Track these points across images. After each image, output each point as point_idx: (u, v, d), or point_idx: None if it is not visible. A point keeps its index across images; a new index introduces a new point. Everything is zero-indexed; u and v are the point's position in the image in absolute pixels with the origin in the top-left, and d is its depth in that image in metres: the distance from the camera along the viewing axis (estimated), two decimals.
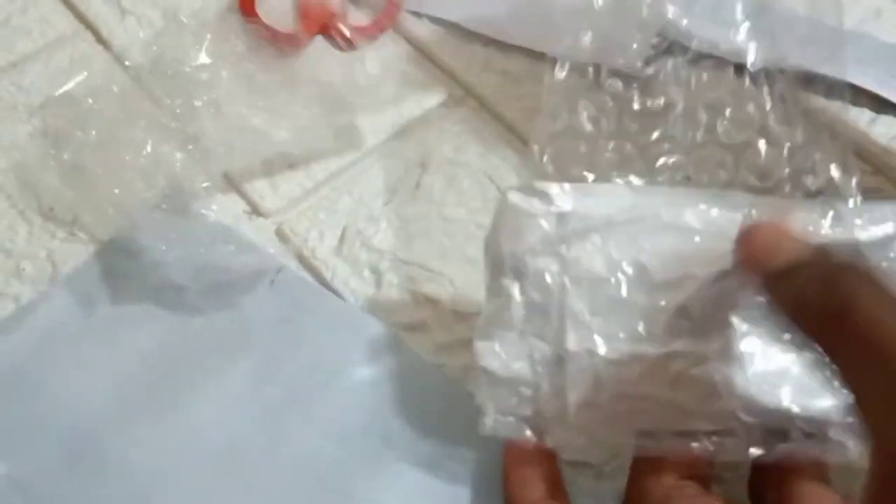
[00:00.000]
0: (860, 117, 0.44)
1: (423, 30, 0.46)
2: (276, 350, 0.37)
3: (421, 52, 0.46)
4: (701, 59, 0.39)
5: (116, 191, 0.39)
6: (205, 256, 0.38)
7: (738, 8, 0.40)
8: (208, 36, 0.43)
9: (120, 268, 0.39)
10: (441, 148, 0.43)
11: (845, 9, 0.44)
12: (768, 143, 0.36)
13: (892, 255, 0.31)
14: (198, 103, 0.41)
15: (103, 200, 0.39)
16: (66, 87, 0.44)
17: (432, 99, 0.45)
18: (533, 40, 0.45)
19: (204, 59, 0.42)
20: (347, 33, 0.45)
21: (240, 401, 0.36)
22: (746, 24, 0.40)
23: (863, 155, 0.43)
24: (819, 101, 0.38)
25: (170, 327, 0.38)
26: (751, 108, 0.37)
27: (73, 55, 0.45)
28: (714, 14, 0.42)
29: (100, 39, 0.46)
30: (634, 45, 0.40)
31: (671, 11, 0.42)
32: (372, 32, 0.45)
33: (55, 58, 0.45)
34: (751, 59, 0.38)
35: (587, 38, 0.44)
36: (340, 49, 0.45)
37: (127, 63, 0.44)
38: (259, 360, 0.37)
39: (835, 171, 0.34)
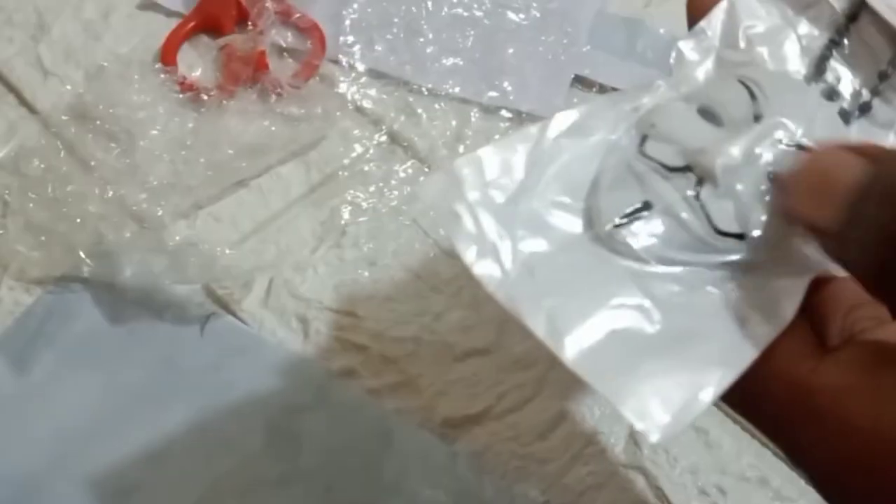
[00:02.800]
0: None
1: (346, 79, 0.47)
2: (208, 397, 0.37)
3: (345, 100, 0.46)
4: None
5: (85, 240, 0.40)
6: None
7: None
8: (136, 76, 0.43)
9: (49, 327, 0.39)
10: (366, 194, 0.43)
11: None
12: None
13: None
14: (142, 142, 0.42)
15: (76, 250, 0.40)
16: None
17: (357, 146, 0.45)
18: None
19: (138, 98, 0.43)
20: (270, 85, 0.45)
21: (172, 449, 0.36)
22: None
23: None
24: None
25: (103, 381, 0.38)
26: None
27: None
28: None
29: (23, 102, 0.46)
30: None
31: None
32: (295, 82, 0.46)
33: None
34: None
35: (509, 87, 0.45)
36: (263, 99, 0.45)
37: (61, 118, 0.44)
38: (191, 407, 0.37)
39: None
